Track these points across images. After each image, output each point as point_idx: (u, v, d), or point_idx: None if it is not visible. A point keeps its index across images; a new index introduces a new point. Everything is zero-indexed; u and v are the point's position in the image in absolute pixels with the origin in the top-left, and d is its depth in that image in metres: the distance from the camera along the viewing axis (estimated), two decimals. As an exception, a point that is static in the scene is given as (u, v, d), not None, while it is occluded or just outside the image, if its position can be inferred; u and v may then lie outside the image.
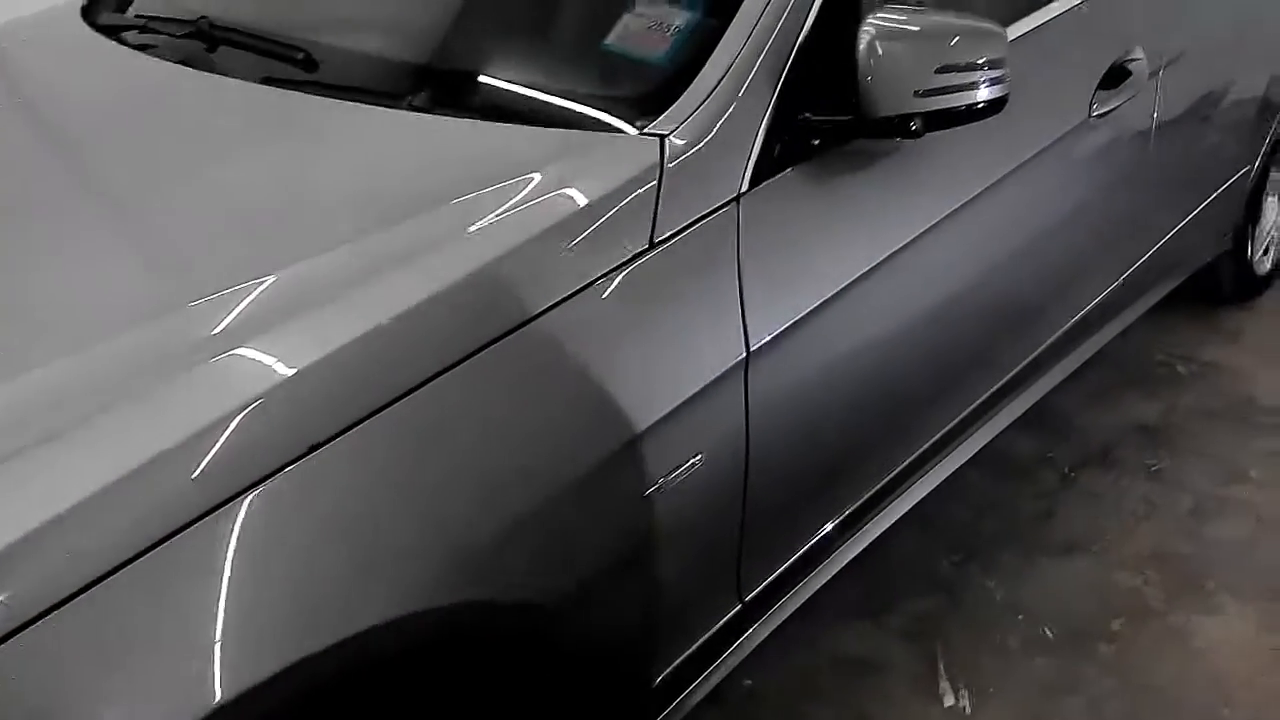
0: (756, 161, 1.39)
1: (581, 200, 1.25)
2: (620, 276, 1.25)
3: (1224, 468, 2.50)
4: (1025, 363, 2.17)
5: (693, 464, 1.32)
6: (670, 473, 1.30)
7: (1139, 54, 2.02)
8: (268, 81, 1.59)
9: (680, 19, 1.48)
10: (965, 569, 2.22)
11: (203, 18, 1.78)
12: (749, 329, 1.35)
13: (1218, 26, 2.37)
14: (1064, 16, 1.87)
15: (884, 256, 1.56)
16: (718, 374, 1.32)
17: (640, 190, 1.28)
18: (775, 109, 1.41)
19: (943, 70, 1.41)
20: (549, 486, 1.19)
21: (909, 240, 1.60)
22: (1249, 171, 2.75)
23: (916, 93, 1.41)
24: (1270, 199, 2.99)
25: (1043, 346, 2.20)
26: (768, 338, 1.38)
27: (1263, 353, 2.92)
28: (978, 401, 2.07)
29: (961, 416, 2.04)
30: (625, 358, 1.25)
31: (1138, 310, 2.60)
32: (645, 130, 1.35)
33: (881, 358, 1.67)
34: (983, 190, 1.73)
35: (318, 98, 1.52)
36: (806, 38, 1.45)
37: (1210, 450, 2.56)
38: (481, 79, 1.54)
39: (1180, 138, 2.31)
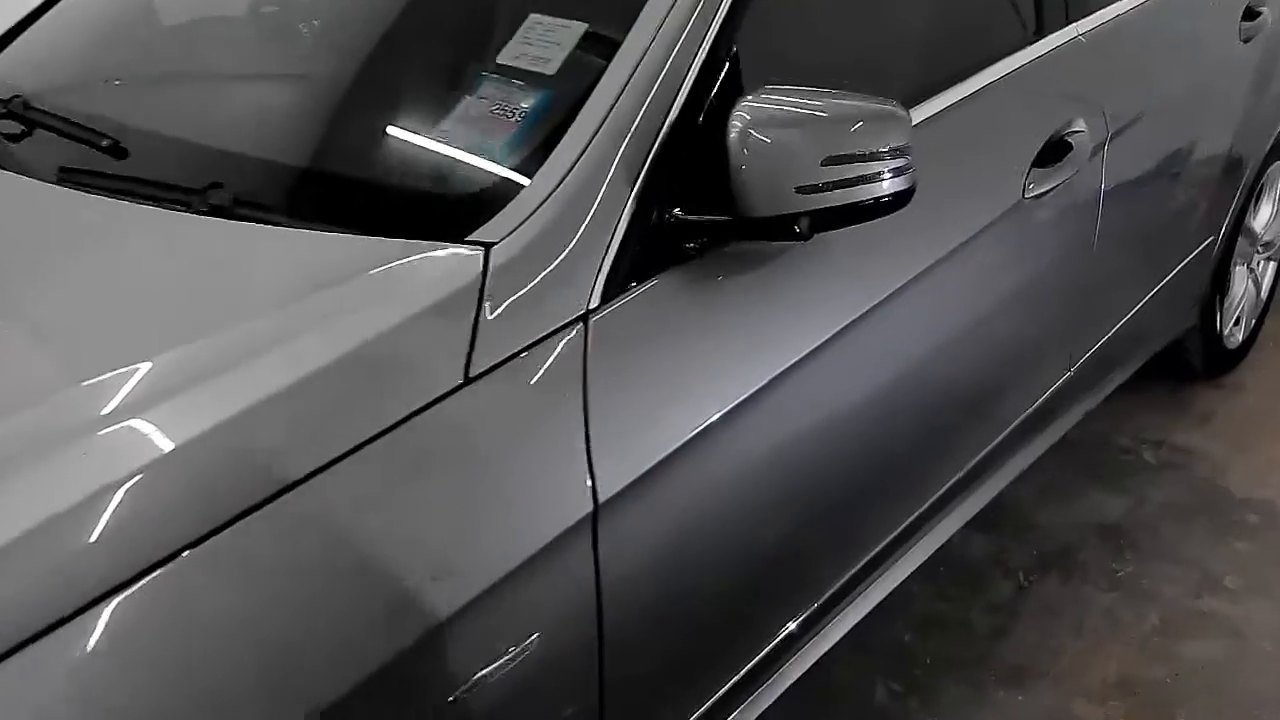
0: (610, 271, 1.16)
1: (374, 328, 1.02)
2: (425, 420, 1.01)
3: (1196, 574, 2.26)
4: (975, 461, 1.95)
5: (524, 649, 1.07)
6: (493, 663, 1.04)
7: (1080, 126, 1.81)
8: (67, 172, 1.37)
9: (531, 101, 1.26)
10: (905, 703, 1.97)
11: (16, 97, 1.56)
12: (597, 476, 1.11)
13: (1175, 86, 2.17)
14: (988, 91, 1.66)
15: (782, 369, 1.33)
16: (555, 535, 1.08)
17: (452, 312, 1.05)
18: (636, 207, 1.19)
19: (832, 161, 1.19)
20: (321, 696, 0.94)
21: (813, 348, 1.37)
22: (1214, 241, 2.55)
23: (800, 188, 1.19)
24: (1239, 268, 2.79)
25: (993, 442, 1.98)
26: (624, 484, 1.14)
27: (1236, 436, 2.70)
28: (922, 508, 1.84)
29: (904, 525, 1.81)
30: (428, 520, 1.01)
31: (1099, 395, 2.39)
32: (469, 237, 1.13)
33: (787, 479, 1.43)
34: (900, 287, 1.50)
35: (104, 200, 1.30)
36: (676, 122, 1.23)
37: (1180, 553, 2.32)
38: (292, 173, 1.32)
39: (1134, 212, 2.10)
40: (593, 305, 1.14)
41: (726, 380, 1.27)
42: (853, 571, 1.71)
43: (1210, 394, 2.86)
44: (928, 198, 1.50)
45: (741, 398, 1.27)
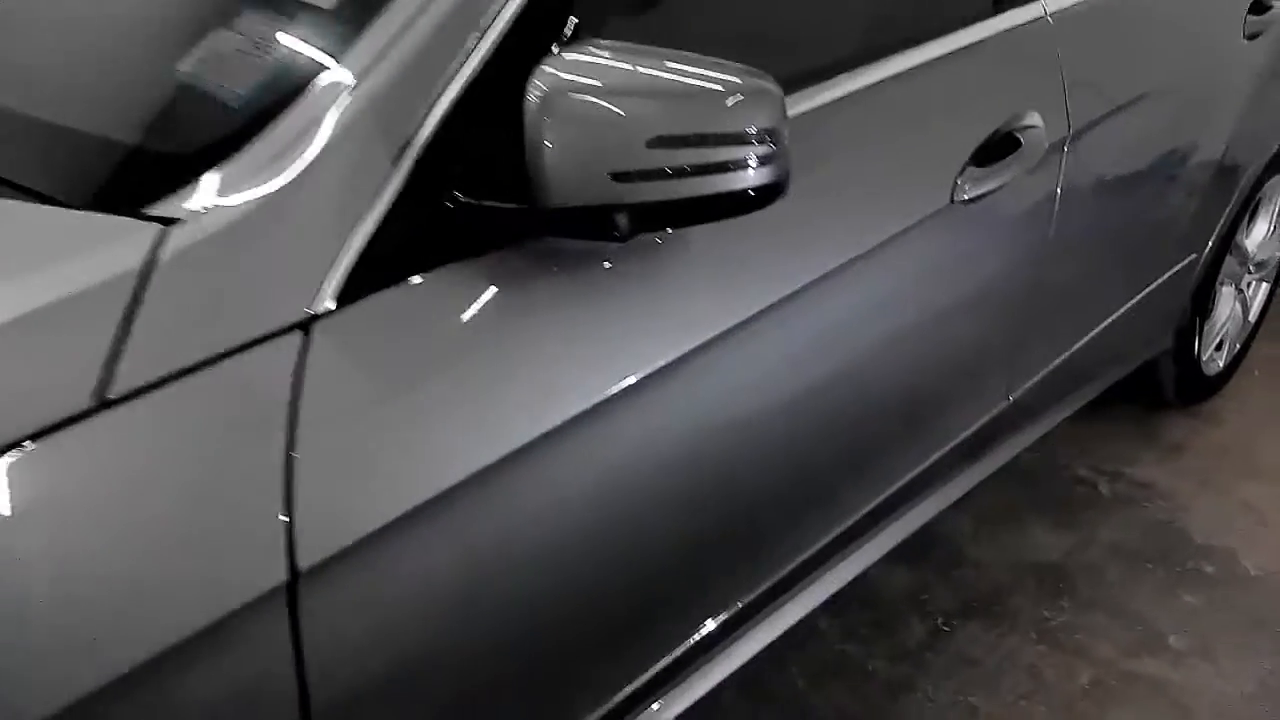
0: (355, 265, 0.89)
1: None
2: (34, 456, 0.75)
3: (1137, 630, 2.01)
4: (895, 488, 1.70)
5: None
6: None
7: (1034, 119, 1.53)
8: None
9: (294, 39, 0.98)
10: (781, 766, 1.74)
11: None
12: (299, 537, 0.85)
13: (1157, 81, 1.89)
14: (916, 72, 1.38)
15: (611, 393, 1.06)
16: (223, 613, 0.82)
17: (85, 311, 0.79)
18: (406, 185, 0.92)
19: (663, 143, 0.92)
20: None
21: (657, 369, 1.11)
22: (1196, 259, 2.27)
23: (617, 175, 0.91)
24: (1225, 288, 2.51)
25: (917, 469, 1.73)
26: (342, 547, 0.87)
27: (1205, 473, 2.44)
28: (825, 538, 1.59)
29: (807, 554, 1.56)
30: (31, 587, 0.76)
31: (1048, 423, 2.14)
32: (150, 210, 0.86)
33: (629, 517, 1.17)
34: (784, 297, 1.23)
35: None
36: (478, 80, 0.96)
37: (1123, 603, 2.07)
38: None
39: (1097, 223, 1.82)
40: (322, 309, 0.88)
41: (524, 407, 1.00)
42: (739, 607, 1.47)
43: (1182, 424, 2.61)
44: (830, 194, 1.26)
45: (541, 431, 1.01)
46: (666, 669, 1.41)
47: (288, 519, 0.84)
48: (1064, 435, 2.30)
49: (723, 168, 0.95)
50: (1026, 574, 2.14)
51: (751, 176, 0.97)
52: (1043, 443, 2.16)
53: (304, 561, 0.85)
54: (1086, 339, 1.98)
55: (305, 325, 0.87)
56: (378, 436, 0.89)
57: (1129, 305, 2.07)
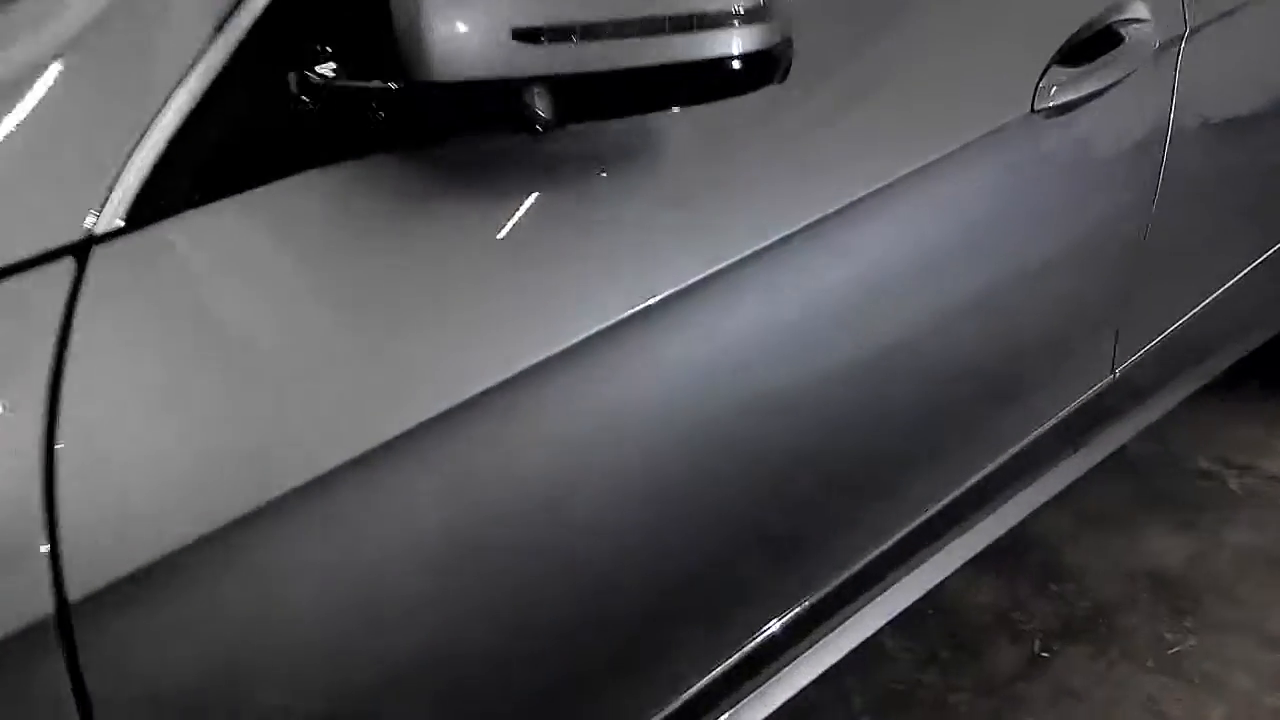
0: (156, 168, 0.64)
1: None
2: None
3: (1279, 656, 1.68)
4: (973, 481, 1.40)
5: None
6: None
7: (1139, 10, 1.22)
8: None
9: None
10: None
11: None
12: (66, 553, 0.59)
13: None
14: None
15: (553, 351, 0.79)
16: None
17: None
18: (238, 55, 0.66)
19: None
20: None
21: (621, 316, 0.83)
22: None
23: (520, 33, 0.64)
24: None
25: (998, 461, 1.43)
26: (137, 566, 0.61)
27: (1355, 466, 2.09)
28: (878, 548, 1.30)
29: (863, 561, 1.28)
30: None
31: (1164, 404, 1.82)
32: None
33: (605, 512, 0.90)
34: (809, 224, 0.94)
35: None
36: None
37: (1260, 623, 1.75)
38: None
39: (1224, 150, 1.51)
40: (104, 228, 0.62)
41: (410, 383, 0.73)
42: (785, 621, 1.21)
43: (1327, 406, 2.28)
44: (870, 95, 1.00)
45: (432, 412, 0.73)
46: (694, 700, 1.14)
47: (48, 526, 0.58)
48: (1183, 419, 2.00)
49: (685, 24, 0.68)
50: (1140, 587, 1.84)
51: (733, 40, 0.69)
52: (1157, 428, 1.86)
53: (79, 587, 0.59)
54: (1210, 301, 1.66)
55: (80, 250, 0.61)
56: (181, 412, 0.63)
57: (1265, 260, 1.74)
